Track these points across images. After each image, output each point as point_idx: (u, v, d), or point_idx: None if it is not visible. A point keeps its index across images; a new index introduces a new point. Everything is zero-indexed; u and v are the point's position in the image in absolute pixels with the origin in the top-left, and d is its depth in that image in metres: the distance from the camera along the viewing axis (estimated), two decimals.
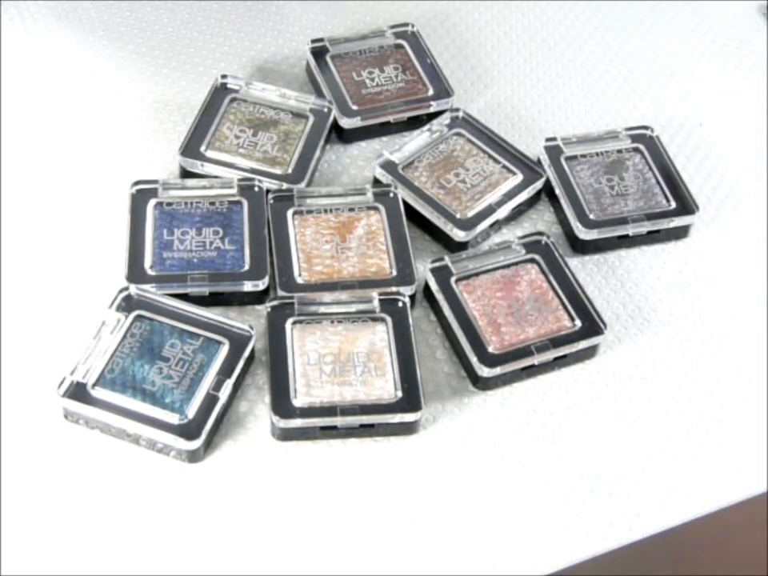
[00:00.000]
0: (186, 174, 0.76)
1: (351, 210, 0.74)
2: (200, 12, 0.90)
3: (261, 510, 0.60)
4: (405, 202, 0.75)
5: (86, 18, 0.88)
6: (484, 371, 0.66)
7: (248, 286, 0.69)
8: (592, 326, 0.68)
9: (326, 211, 0.74)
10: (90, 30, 0.87)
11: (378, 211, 0.74)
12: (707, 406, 0.67)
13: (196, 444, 0.61)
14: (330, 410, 0.63)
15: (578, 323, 0.69)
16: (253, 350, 0.66)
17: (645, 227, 0.75)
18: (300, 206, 0.74)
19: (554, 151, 0.78)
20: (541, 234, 0.73)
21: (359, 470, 0.63)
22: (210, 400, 0.63)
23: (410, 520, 0.61)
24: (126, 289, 0.67)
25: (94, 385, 0.63)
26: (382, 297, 0.68)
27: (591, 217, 0.75)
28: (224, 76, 0.81)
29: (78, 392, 0.62)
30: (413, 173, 0.77)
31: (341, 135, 0.81)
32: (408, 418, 0.64)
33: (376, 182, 0.77)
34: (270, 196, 0.74)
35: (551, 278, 0.71)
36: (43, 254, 0.71)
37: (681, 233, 0.77)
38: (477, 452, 0.64)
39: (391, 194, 0.75)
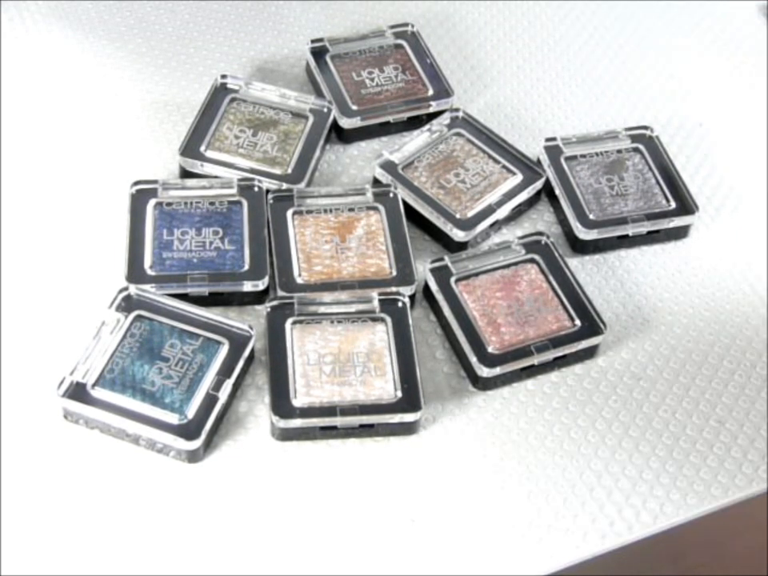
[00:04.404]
0: (185, 174, 0.76)
1: (351, 210, 0.74)
2: (200, 12, 0.90)
3: (261, 510, 0.60)
4: (404, 202, 0.75)
5: (86, 18, 0.88)
6: (484, 371, 0.66)
7: (248, 286, 0.69)
8: (592, 326, 0.68)
9: (325, 211, 0.74)
10: (89, 30, 0.87)
11: (378, 211, 0.74)
12: (707, 406, 0.67)
13: (196, 444, 0.61)
14: (329, 410, 0.63)
15: (578, 323, 0.69)
16: (252, 350, 0.66)
17: (645, 227, 0.75)
18: (300, 206, 0.74)
19: (553, 151, 0.78)
20: (540, 234, 0.73)
21: (359, 470, 0.63)
22: (210, 400, 0.63)
23: (410, 520, 0.61)
24: (126, 289, 0.67)
25: (93, 385, 0.63)
26: (381, 297, 0.68)
27: (591, 217, 0.75)
28: (224, 76, 0.81)
29: (78, 392, 0.62)
30: (412, 173, 0.77)
31: (340, 135, 0.81)
32: (408, 418, 0.64)
33: (376, 182, 0.77)
34: (270, 196, 0.74)
35: (551, 278, 0.71)
36: (43, 254, 0.71)
37: (681, 233, 0.77)
38: (476, 452, 0.64)
39: (391, 194, 0.75)
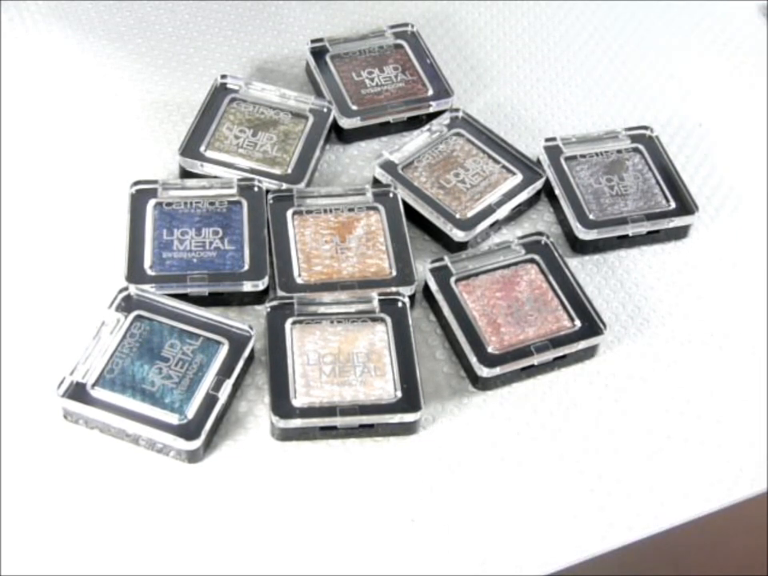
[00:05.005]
0: (185, 174, 0.76)
1: (351, 210, 0.74)
2: (200, 12, 0.90)
3: (260, 510, 0.60)
4: (404, 202, 0.75)
5: (86, 17, 0.88)
6: (483, 371, 0.66)
7: (247, 286, 0.69)
8: (591, 326, 0.68)
9: (325, 211, 0.74)
10: (89, 30, 0.87)
11: (378, 211, 0.74)
12: (707, 405, 0.67)
13: (195, 444, 0.61)
14: (329, 410, 0.63)
15: (578, 323, 0.69)
16: (252, 350, 0.66)
17: (644, 227, 0.75)
18: (300, 206, 0.74)
19: (553, 151, 0.78)
20: (540, 234, 0.73)
21: (359, 471, 0.63)
22: (210, 400, 0.63)
23: (410, 520, 0.61)
24: (126, 289, 0.67)
25: (93, 385, 0.63)
26: (381, 297, 0.68)
27: (591, 217, 0.75)
28: (224, 76, 0.81)
29: (78, 392, 0.62)
30: (412, 173, 0.77)
31: (340, 135, 0.81)
32: (407, 418, 0.64)
33: (375, 182, 0.77)
34: (270, 196, 0.74)
35: (551, 278, 0.71)
36: (43, 254, 0.71)
37: (680, 233, 0.77)
38: (476, 452, 0.64)
39: (391, 194, 0.75)
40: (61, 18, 0.87)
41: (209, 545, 0.59)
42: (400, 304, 0.68)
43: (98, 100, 0.82)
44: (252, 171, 0.75)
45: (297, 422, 0.63)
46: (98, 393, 0.62)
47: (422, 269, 0.71)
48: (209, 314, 0.67)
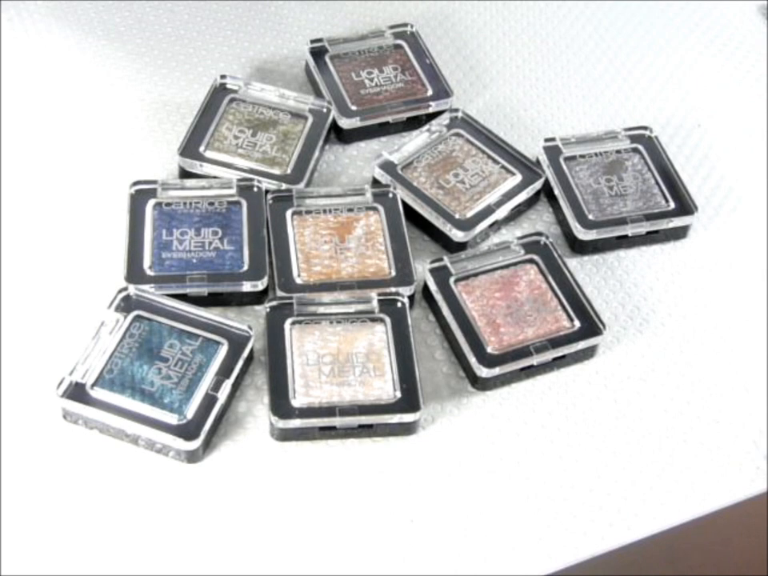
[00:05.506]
0: (184, 174, 0.76)
1: (350, 210, 0.74)
2: (200, 12, 0.90)
3: (260, 511, 0.60)
4: (404, 203, 0.75)
5: (86, 18, 0.88)
6: (483, 371, 0.66)
7: (247, 287, 0.69)
8: (591, 326, 0.68)
9: (324, 211, 0.74)
10: (89, 30, 0.87)
11: (377, 211, 0.74)
12: (706, 406, 0.67)
13: (195, 444, 0.61)
14: (328, 411, 0.63)
15: (577, 324, 0.69)
16: (252, 351, 0.66)
17: (644, 228, 0.75)
18: (299, 207, 0.74)
19: (553, 151, 0.78)
20: (540, 234, 0.73)
21: (358, 471, 0.63)
22: (209, 400, 0.63)
23: (409, 520, 0.61)
24: (125, 289, 0.67)
25: (92, 385, 0.63)
26: (380, 297, 0.68)
27: (590, 217, 0.75)
28: (223, 76, 0.81)
29: (77, 392, 0.62)
30: (412, 173, 0.77)
31: (340, 135, 0.81)
32: (407, 418, 0.64)
33: (375, 183, 0.77)
34: (269, 196, 0.74)
35: (550, 278, 0.71)
36: (43, 254, 0.71)
37: (680, 233, 0.77)
38: (476, 452, 0.64)
39: (390, 195, 0.75)
40: (60, 18, 0.87)
41: (208, 545, 0.59)
42: (399, 304, 0.68)
43: (97, 100, 0.82)
44: (251, 171, 0.75)
45: (296, 423, 0.63)
46: (98, 393, 0.62)
47: (422, 269, 0.71)
48: (208, 314, 0.67)
